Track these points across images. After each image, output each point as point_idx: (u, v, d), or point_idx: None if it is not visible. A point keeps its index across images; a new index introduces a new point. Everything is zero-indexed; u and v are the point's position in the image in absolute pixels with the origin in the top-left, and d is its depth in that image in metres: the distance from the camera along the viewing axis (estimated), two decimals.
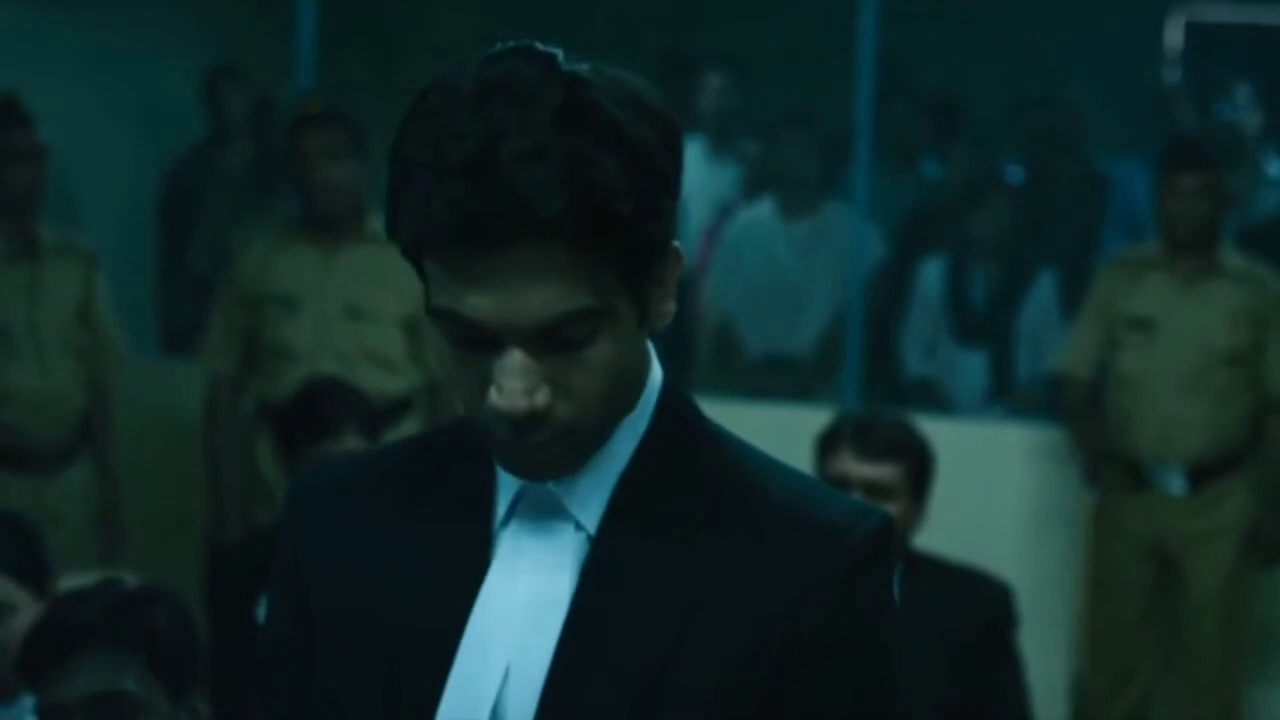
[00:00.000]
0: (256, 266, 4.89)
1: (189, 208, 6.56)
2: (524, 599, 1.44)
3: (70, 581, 2.92)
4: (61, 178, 5.25)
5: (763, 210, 6.22)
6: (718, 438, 1.50)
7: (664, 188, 1.40)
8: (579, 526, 1.45)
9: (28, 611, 2.83)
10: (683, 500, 1.45)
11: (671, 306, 1.45)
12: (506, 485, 1.47)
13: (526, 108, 1.34)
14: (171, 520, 5.39)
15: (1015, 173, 6.49)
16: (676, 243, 1.45)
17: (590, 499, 1.45)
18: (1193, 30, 7.32)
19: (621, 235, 1.36)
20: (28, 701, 2.81)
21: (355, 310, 4.81)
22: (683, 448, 1.48)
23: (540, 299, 1.36)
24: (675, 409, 1.49)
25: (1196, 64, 7.26)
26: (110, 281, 5.03)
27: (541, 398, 1.38)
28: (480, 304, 1.36)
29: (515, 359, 1.37)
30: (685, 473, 1.47)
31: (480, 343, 1.39)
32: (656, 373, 1.50)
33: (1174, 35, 7.31)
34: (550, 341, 1.38)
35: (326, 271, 4.84)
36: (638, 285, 1.41)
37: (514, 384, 1.37)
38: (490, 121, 1.34)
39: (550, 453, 1.41)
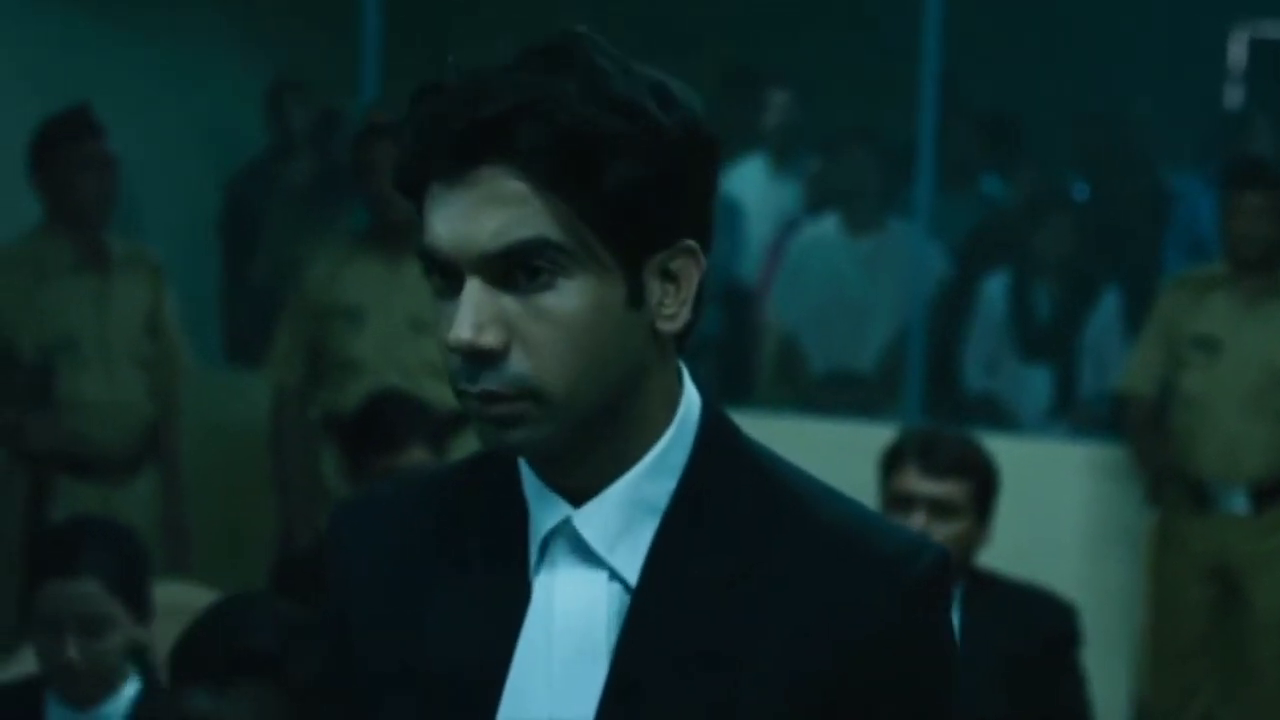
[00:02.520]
0: (323, 278, 4.91)
1: (252, 220, 6.60)
2: (561, 652, 1.40)
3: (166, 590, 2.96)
4: (126, 188, 5.28)
5: (827, 226, 6.23)
6: (765, 467, 1.46)
7: (658, 153, 1.36)
8: (613, 574, 1.41)
9: (124, 626, 2.86)
10: (729, 542, 1.41)
11: (686, 311, 1.41)
12: (536, 530, 1.43)
13: (515, 55, 1.38)
14: (235, 530, 5.42)
15: (1079, 190, 6.47)
16: (693, 243, 1.40)
17: (623, 543, 1.41)
18: (1256, 47, 7.29)
19: (586, 174, 1.34)
20: (110, 708, 2.86)
21: (419, 323, 4.83)
22: (728, 484, 1.43)
23: (496, 223, 1.35)
24: (718, 440, 1.45)
25: (1260, 81, 7.22)
26: (174, 293, 5.06)
27: (491, 337, 1.35)
28: (443, 231, 1.36)
29: (469, 290, 1.35)
30: (731, 512, 1.42)
31: (450, 282, 1.37)
32: (694, 403, 1.45)
33: (1237, 52, 7.28)
34: (507, 275, 1.35)
35: (392, 284, 4.86)
36: (624, 253, 1.37)
37: (463, 316, 1.35)
38: (477, 66, 1.38)
39: (512, 410, 1.36)
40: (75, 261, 4.81)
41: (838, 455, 3.66)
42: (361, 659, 1.48)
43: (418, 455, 3.76)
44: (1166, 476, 5.15)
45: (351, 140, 5.10)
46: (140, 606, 2.90)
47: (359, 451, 3.85)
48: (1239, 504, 5.03)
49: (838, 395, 6.03)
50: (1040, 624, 3.52)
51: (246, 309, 6.53)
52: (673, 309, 1.40)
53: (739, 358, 6.10)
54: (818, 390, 6.12)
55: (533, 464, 1.44)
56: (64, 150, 4.73)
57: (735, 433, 1.46)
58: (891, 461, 3.52)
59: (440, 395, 4.57)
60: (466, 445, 4.67)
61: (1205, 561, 5.07)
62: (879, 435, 3.95)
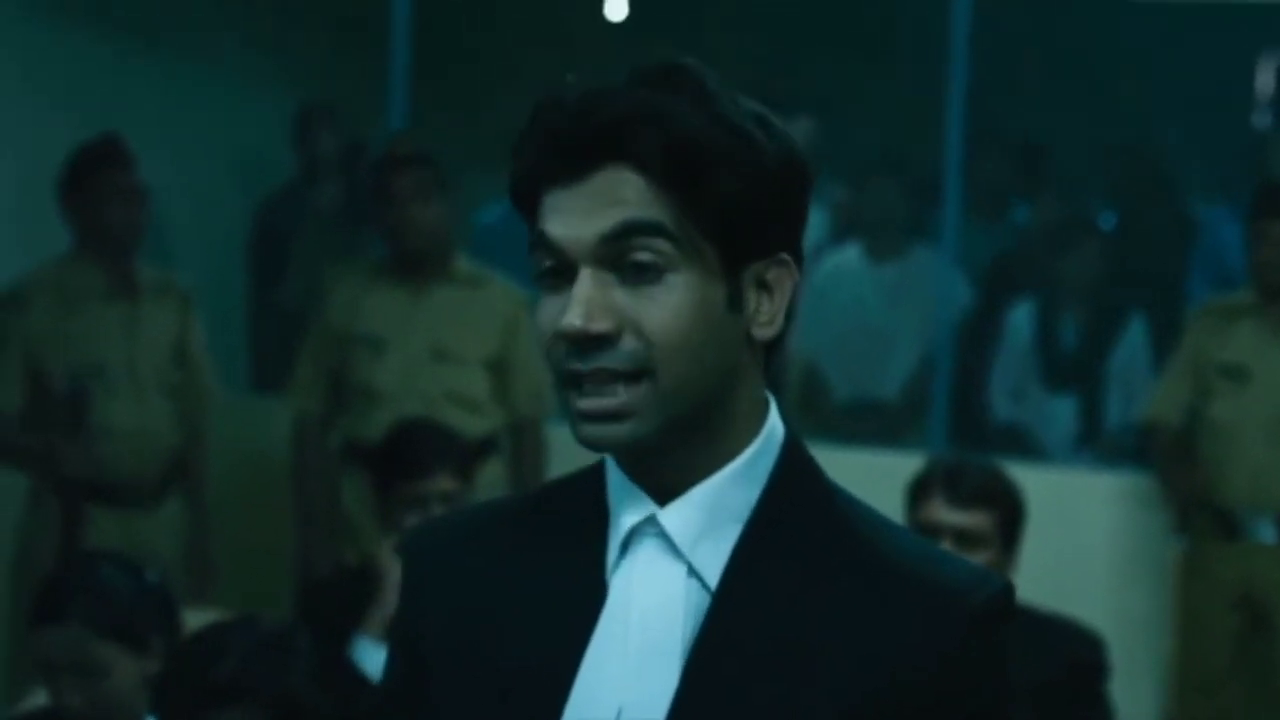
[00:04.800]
0: (344, 306, 4.92)
1: (280, 246, 6.61)
2: (636, 647, 1.44)
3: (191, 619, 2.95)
4: (155, 216, 5.30)
5: (850, 254, 6.23)
6: (839, 496, 1.51)
7: (760, 169, 1.44)
8: (692, 571, 1.46)
9: (122, 672, 2.86)
10: (808, 557, 1.46)
11: (780, 320, 1.47)
12: (617, 529, 1.48)
13: (628, 74, 1.46)
14: (262, 556, 5.43)
15: (1106, 218, 6.46)
16: (786, 256, 1.47)
17: (704, 542, 1.46)
18: None
19: (698, 175, 1.41)
20: None
21: (440, 352, 4.84)
22: (808, 504, 1.48)
23: (611, 211, 1.42)
24: (798, 461, 1.50)
25: None
26: (202, 320, 5.08)
27: (601, 324, 1.41)
28: (560, 222, 1.43)
29: (581, 279, 1.42)
30: (811, 530, 1.47)
31: (562, 275, 1.43)
32: (778, 425, 1.51)
33: (1264, 79, 7.27)
34: (618, 263, 1.42)
35: (412, 313, 4.87)
36: (727, 255, 1.44)
37: (575, 304, 1.41)
38: (593, 83, 1.45)
39: (625, 401, 1.41)
40: (105, 289, 4.83)
41: (862, 484, 3.64)
42: (438, 677, 1.51)
43: (444, 483, 3.77)
44: (1194, 505, 5.13)
45: (373, 170, 5.12)
46: (145, 643, 2.87)
47: (385, 479, 3.86)
48: (1267, 533, 5.01)
49: (862, 424, 6.03)
50: (1067, 655, 3.51)
51: (273, 336, 6.54)
52: (768, 316, 1.47)
53: None
54: (841, 419, 6.11)
55: (623, 460, 1.48)
56: (94, 179, 4.75)
57: (812, 460, 1.52)
58: (917, 492, 3.51)
59: (461, 424, 4.57)
60: (488, 474, 4.67)
61: (1233, 590, 5.05)
62: (904, 464, 3.95)
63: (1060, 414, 5.97)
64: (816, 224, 6.60)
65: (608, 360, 1.42)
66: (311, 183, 6.63)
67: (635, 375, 1.42)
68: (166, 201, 5.80)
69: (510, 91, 6.47)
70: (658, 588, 1.45)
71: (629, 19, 6.69)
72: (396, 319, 4.86)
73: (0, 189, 5.80)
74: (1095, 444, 5.96)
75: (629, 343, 1.42)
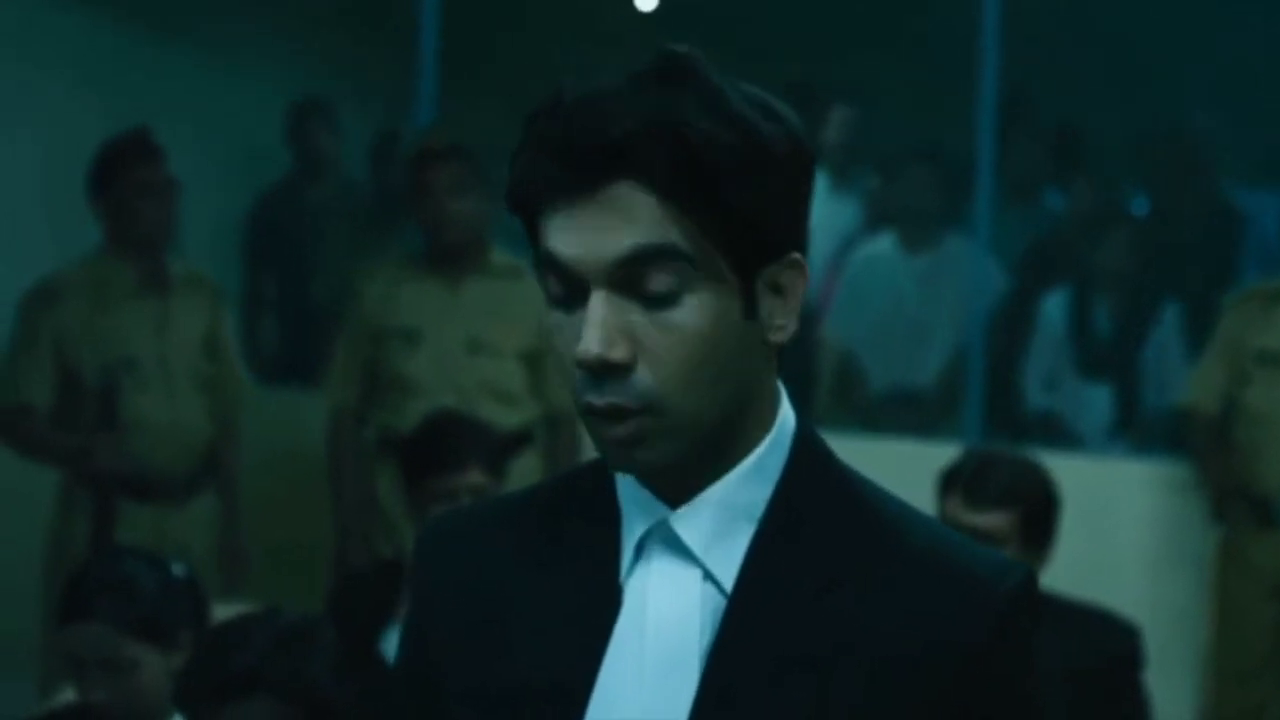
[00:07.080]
0: (379, 299, 4.93)
1: (275, 241, 6.62)
2: (652, 656, 1.42)
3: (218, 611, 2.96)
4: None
5: (884, 244, 6.22)
6: (855, 485, 1.48)
7: (772, 168, 1.39)
8: (707, 575, 1.43)
9: (149, 667, 2.86)
10: (824, 552, 1.43)
11: (794, 323, 1.44)
12: (630, 533, 1.46)
13: (628, 72, 1.40)
14: (293, 550, 5.43)
15: (1140, 204, 6.43)
16: (797, 255, 1.43)
17: (718, 545, 1.43)
18: None
19: (711, 189, 1.36)
20: None
21: (476, 344, 4.84)
22: (822, 496, 1.45)
23: (626, 233, 1.37)
24: (811, 453, 1.47)
25: None
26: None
27: (619, 351, 1.37)
28: (570, 244, 1.38)
29: (595, 304, 1.37)
30: (826, 523, 1.44)
31: (574, 295, 1.39)
32: (789, 416, 1.48)
33: None
34: (633, 288, 1.37)
35: (448, 305, 4.87)
36: (741, 265, 1.40)
37: (591, 331, 1.37)
38: (592, 81, 1.39)
39: (636, 429, 1.38)
40: (136, 284, 4.84)
41: (897, 474, 3.63)
42: (447, 676, 1.49)
43: (476, 477, 3.76)
44: (1230, 493, 5.10)
45: (408, 163, 5.11)
46: (173, 639, 2.88)
47: (418, 472, 3.86)
48: None
49: (897, 414, 6.02)
50: (1102, 645, 3.49)
51: (271, 330, 6.56)
52: (782, 320, 1.43)
53: (797, 376, 6.08)
54: (877, 409, 6.10)
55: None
56: (124, 175, 4.75)
57: (826, 449, 1.49)
58: (943, 487, 3.50)
59: (496, 416, 4.57)
60: (523, 467, 4.67)
61: (1270, 579, 5.02)
62: (939, 454, 3.93)
63: (1095, 402, 5.95)
64: (850, 213, 6.58)
65: (618, 396, 1.38)
66: (308, 178, 6.63)
67: (644, 412, 1.39)
68: (189, 194, 5.81)
69: (541, 82, 6.44)
70: (673, 595, 1.43)
71: (659, 9, 6.67)
72: (432, 311, 4.86)
73: (29, 183, 5.82)
74: (1130, 432, 5.94)
75: (642, 375, 1.38)
